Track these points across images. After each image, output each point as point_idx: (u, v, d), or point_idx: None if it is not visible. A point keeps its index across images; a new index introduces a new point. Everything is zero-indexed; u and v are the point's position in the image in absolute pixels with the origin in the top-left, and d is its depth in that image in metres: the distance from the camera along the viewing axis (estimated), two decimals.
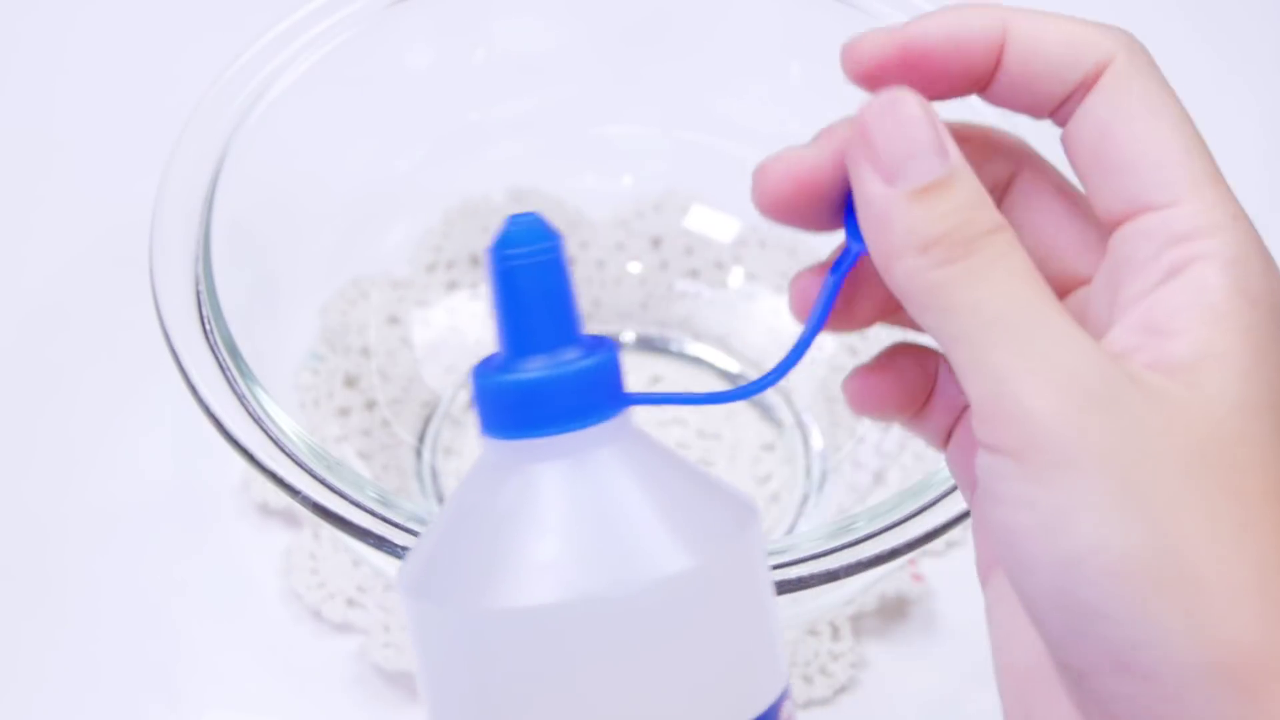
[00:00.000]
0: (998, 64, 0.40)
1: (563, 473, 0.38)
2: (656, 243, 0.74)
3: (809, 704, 0.63)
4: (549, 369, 0.38)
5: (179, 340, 0.57)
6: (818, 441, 0.69)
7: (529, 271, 0.39)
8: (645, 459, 0.39)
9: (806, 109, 0.73)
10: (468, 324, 0.71)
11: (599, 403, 0.39)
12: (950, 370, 0.43)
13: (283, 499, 0.63)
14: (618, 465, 0.39)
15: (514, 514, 0.38)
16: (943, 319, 0.37)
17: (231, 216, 0.61)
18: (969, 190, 0.38)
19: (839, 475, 0.67)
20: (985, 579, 0.41)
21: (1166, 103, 0.40)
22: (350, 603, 0.64)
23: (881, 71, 0.41)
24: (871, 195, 0.38)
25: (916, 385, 0.44)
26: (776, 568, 0.53)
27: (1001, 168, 0.43)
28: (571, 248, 0.72)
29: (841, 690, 0.63)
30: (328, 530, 0.65)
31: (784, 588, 0.54)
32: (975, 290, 0.37)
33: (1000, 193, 0.43)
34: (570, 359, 0.39)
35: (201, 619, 0.65)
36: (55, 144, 0.79)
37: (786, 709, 0.40)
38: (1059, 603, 0.36)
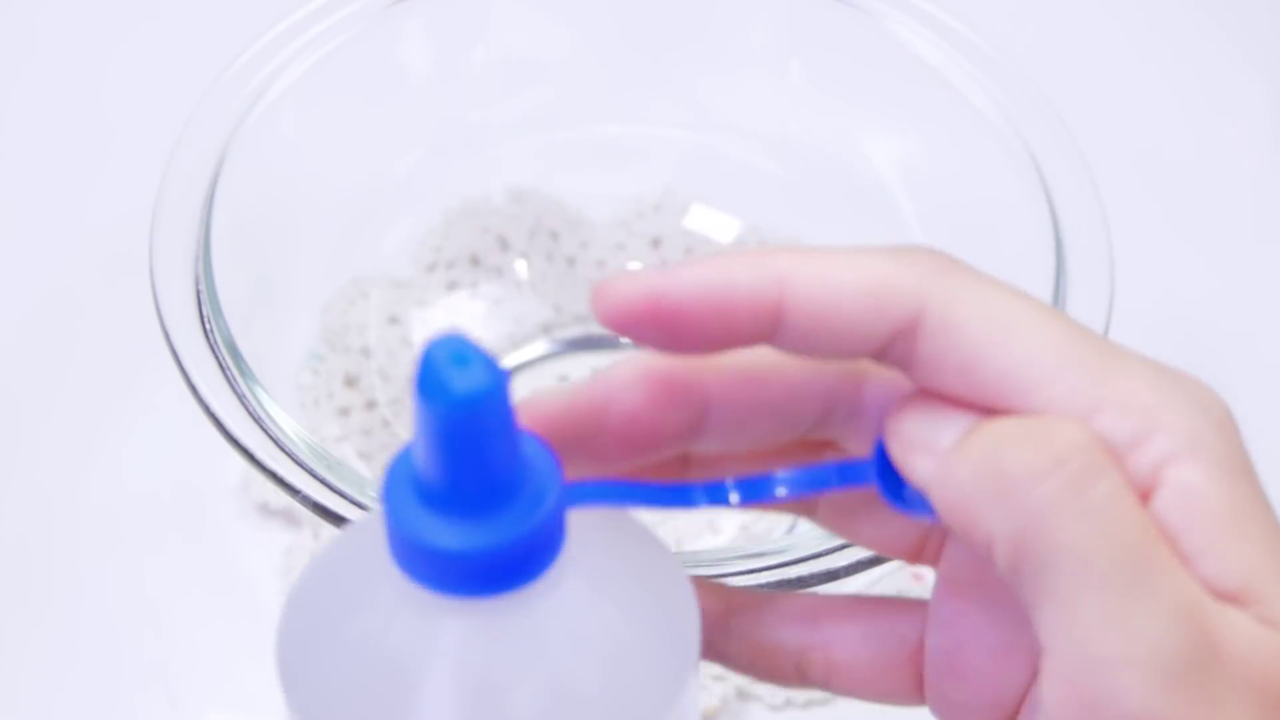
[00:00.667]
0: (778, 320, 0.35)
1: (487, 639, 0.35)
2: (656, 243, 0.74)
3: (809, 704, 0.63)
4: (492, 533, 0.33)
5: (179, 340, 0.57)
6: None
7: (470, 423, 0.33)
8: (585, 604, 0.35)
9: (806, 109, 0.73)
10: (468, 324, 0.71)
11: (543, 554, 0.34)
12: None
13: (283, 499, 0.63)
14: (553, 626, 0.35)
15: (425, 679, 0.35)
16: (1035, 565, 0.32)
17: (231, 216, 0.61)
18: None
19: None
20: None
21: (1011, 312, 0.34)
22: None
23: (631, 322, 0.35)
24: (922, 477, 0.35)
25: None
26: (776, 567, 0.53)
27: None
28: (571, 247, 0.72)
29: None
30: (328, 530, 0.65)
31: (784, 587, 0.54)
32: (1085, 530, 0.32)
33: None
34: (517, 516, 0.33)
35: (201, 619, 0.65)
36: (55, 144, 0.79)
37: None
38: None
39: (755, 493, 0.37)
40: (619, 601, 0.36)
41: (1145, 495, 0.33)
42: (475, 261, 0.72)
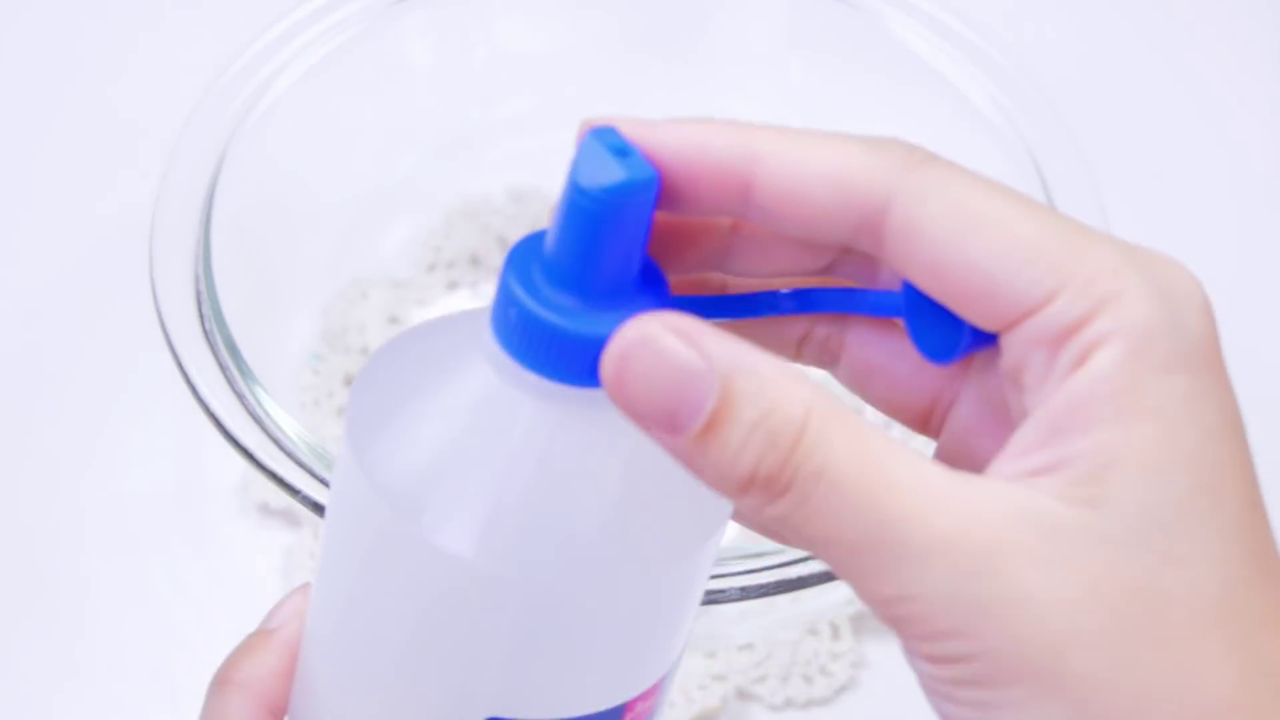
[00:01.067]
0: (746, 193, 0.35)
1: (571, 429, 0.36)
2: None
3: (809, 704, 0.63)
4: (609, 325, 0.34)
5: (179, 340, 0.57)
6: None
7: (606, 215, 0.34)
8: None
9: (807, 108, 0.73)
10: None
11: None
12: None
13: (283, 499, 0.63)
14: (626, 438, 0.35)
15: (505, 449, 0.36)
16: (809, 550, 0.34)
17: (231, 216, 0.61)
18: (753, 400, 0.33)
19: None
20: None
21: (980, 203, 0.35)
22: None
23: None
24: (667, 448, 0.34)
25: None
26: (777, 567, 0.53)
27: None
28: None
29: (841, 690, 0.63)
30: None
31: (784, 587, 0.54)
32: (819, 526, 0.33)
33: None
34: (632, 312, 0.34)
35: (202, 619, 0.65)
36: (55, 144, 0.79)
37: (663, 686, 0.39)
38: None
39: (804, 304, 0.38)
40: None
41: (1073, 370, 0.34)
42: (475, 261, 0.72)
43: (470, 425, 0.36)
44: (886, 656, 0.64)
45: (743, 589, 0.54)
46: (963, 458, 0.38)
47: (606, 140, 0.34)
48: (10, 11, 0.84)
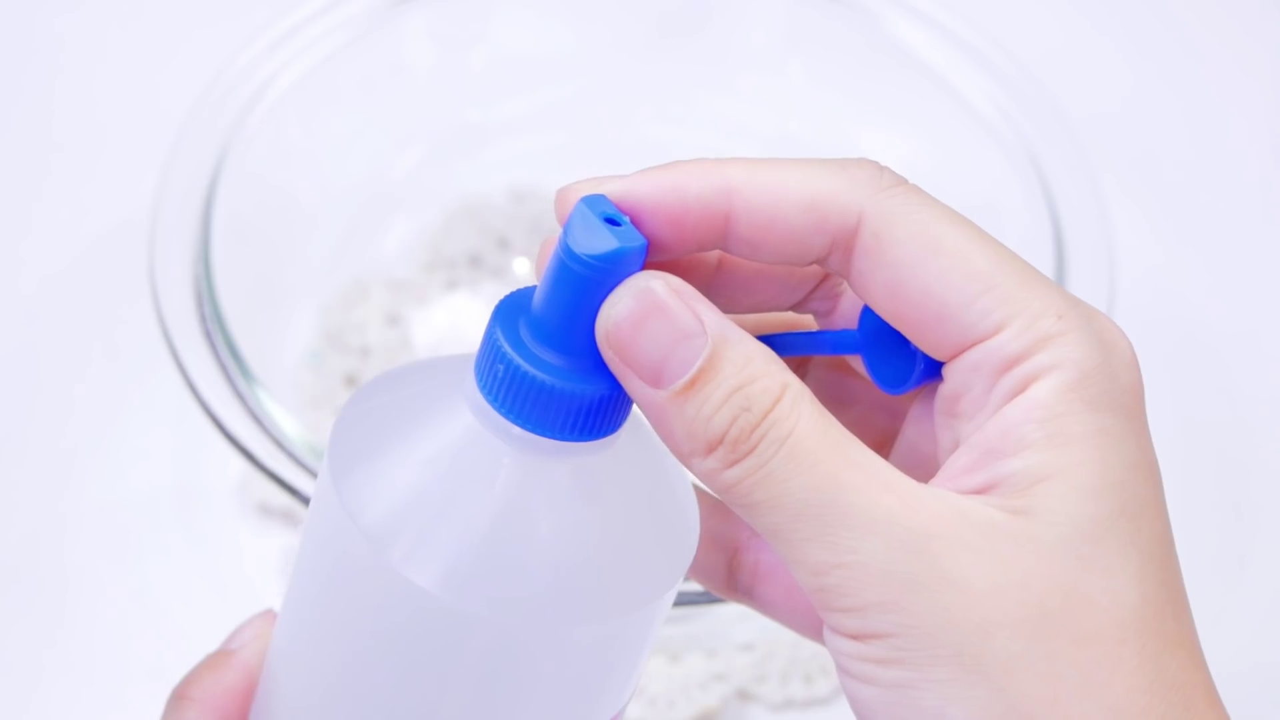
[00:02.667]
0: (726, 226, 0.37)
1: (545, 479, 0.37)
2: None
3: (809, 704, 0.63)
4: (597, 384, 0.36)
5: (179, 340, 0.57)
6: None
7: (596, 280, 0.36)
8: (624, 477, 0.38)
9: (807, 109, 0.73)
10: (467, 324, 0.71)
11: (614, 418, 0.37)
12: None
13: (283, 499, 0.63)
14: (598, 492, 0.37)
15: (480, 492, 0.37)
16: (749, 516, 0.36)
17: (231, 216, 0.61)
18: (735, 365, 0.35)
19: None
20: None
21: (942, 233, 0.36)
22: None
23: None
24: (643, 401, 0.36)
25: None
26: None
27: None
28: None
29: (841, 690, 0.63)
30: None
31: None
32: (769, 487, 0.35)
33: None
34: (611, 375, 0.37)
35: (201, 619, 0.65)
36: (55, 144, 0.79)
37: None
38: None
39: (773, 346, 0.39)
40: (649, 485, 0.39)
41: (1009, 400, 0.36)
42: (475, 261, 0.72)
43: (448, 467, 0.37)
44: None
45: None
46: (908, 443, 0.40)
47: (597, 209, 0.36)
48: (11, 11, 0.84)
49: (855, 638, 0.35)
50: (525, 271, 0.71)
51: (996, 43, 0.67)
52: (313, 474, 0.55)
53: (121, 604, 0.65)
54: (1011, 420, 0.36)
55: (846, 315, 0.40)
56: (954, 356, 0.37)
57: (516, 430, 0.37)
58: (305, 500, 0.55)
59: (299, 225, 0.68)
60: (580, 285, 0.36)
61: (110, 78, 0.81)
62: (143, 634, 0.65)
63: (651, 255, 0.37)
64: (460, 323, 0.71)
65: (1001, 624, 0.34)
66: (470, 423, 0.37)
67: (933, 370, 0.38)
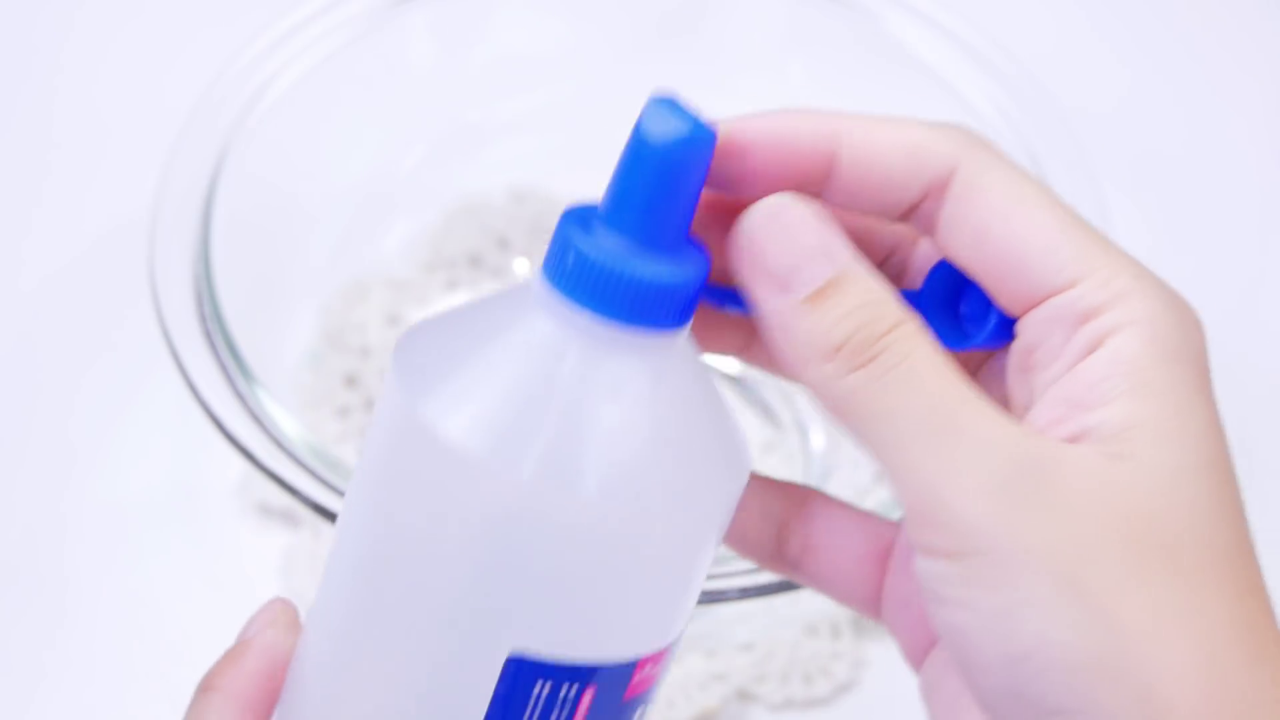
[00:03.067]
0: (830, 171, 0.39)
1: (619, 365, 0.38)
2: None
3: (809, 704, 0.63)
4: (670, 268, 0.37)
5: (179, 340, 0.57)
6: (818, 441, 0.69)
7: (679, 160, 0.37)
8: (688, 378, 0.39)
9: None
10: None
11: (684, 309, 0.38)
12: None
13: (283, 499, 0.63)
14: (664, 378, 0.38)
15: (553, 377, 0.37)
16: (862, 426, 0.37)
17: (231, 216, 0.61)
18: (863, 287, 0.37)
19: (839, 475, 0.67)
20: (918, 663, 0.41)
21: (1027, 189, 0.39)
22: None
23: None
24: (768, 308, 0.38)
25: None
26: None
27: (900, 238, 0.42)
28: None
29: (841, 690, 0.63)
30: (328, 530, 0.65)
31: (784, 587, 0.54)
32: (888, 396, 0.37)
33: (905, 265, 0.42)
34: (684, 263, 0.38)
35: (201, 619, 0.65)
36: (55, 144, 0.79)
37: (667, 658, 0.40)
38: (1012, 698, 0.36)
39: None
40: (707, 397, 0.39)
41: (1089, 352, 0.38)
42: (475, 261, 0.72)
43: (520, 356, 0.38)
44: (886, 656, 0.64)
45: (742, 589, 0.54)
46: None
47: (669, 104, 0.37)
48: (12, 11, 0.84)
49: (953, 557, 0.36)
50: (525, 271, 0.71)
51: (996, 42, 0.67)
52: (312, 474, 0.55)
53: (121, 604, 0.65)
54: (1095, 373, 0.37)
55: (910, 284, 0.42)
56: (1030, 308, 0.38)
57: (584, 318, 0.37)
58: (305, 500, 0.55)
59: (299, 225, 0.68)
60: (652, 170, 0.37)
61: (110, 78, 0.81)
62: (142, 634, 0.65)
63: (758, 194, 0.39)
64: None
65: (1105, 550, 0.36)
66: (539, 313, 0.38)
67: (1005, 328, 0.39)
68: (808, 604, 0.60)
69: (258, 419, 0.56)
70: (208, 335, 0.57)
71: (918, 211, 0.39)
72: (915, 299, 0.40)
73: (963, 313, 0.41)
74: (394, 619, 0.39)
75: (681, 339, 0.39)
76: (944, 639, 0.37)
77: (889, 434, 0.37)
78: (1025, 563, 0.36)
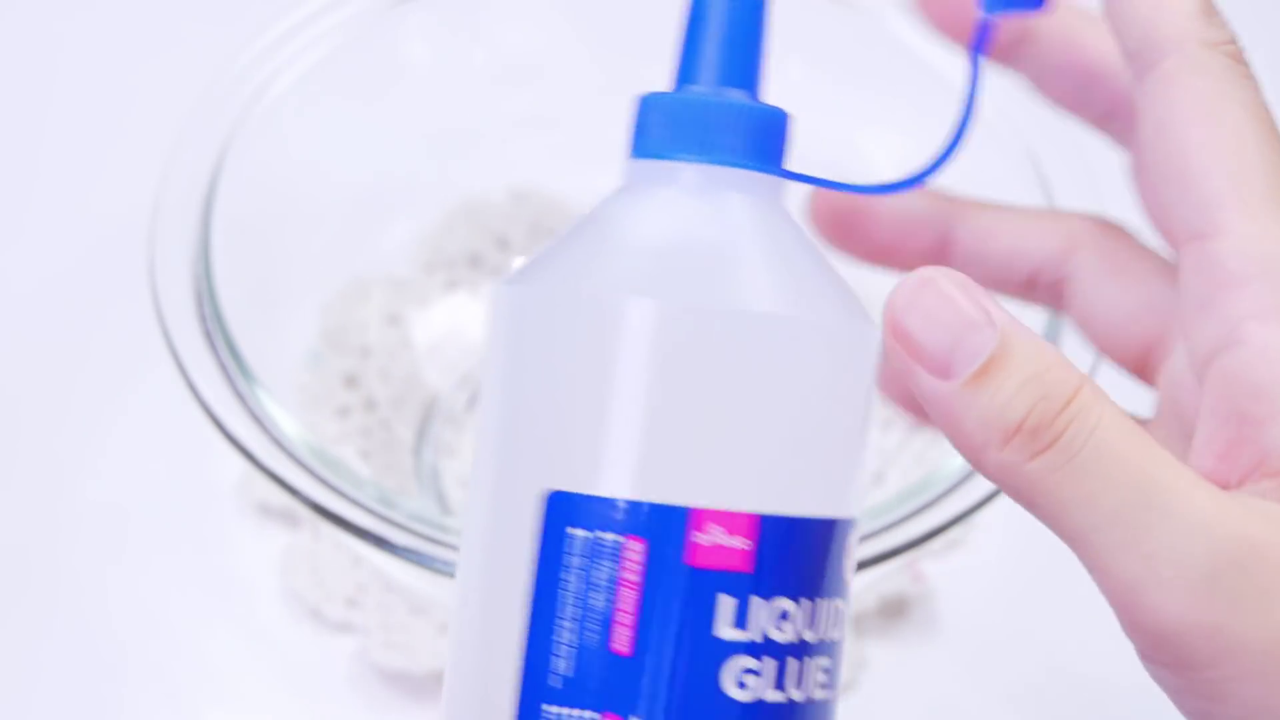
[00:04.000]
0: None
1: (733, 208, 0.38)
2: None
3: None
4: (761, 104, 0.39)
5: (179, 340, 0.57)
6: None
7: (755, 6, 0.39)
8: (803, 232, 0.39)
9: (807, 109, 0.73)
10: (468, 324, 0.71)
11: (780, 153, 0.39)
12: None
13: (283, 499, 0.63)
14: (774, 221, 0.38)
15: (671, 221, 0.38)
16: (1056, 517, 0.34)
17: (231, 216, 0.61)
18: (1029, 354, 0.34)
19: None
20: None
21: (1230, 106, 0.37)
22: (350, 602, 0.64)
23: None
24: (931, 395, 0.35)
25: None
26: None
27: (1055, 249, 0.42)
28: None
29: (841, 690, 0.63)
30: (327, 530, 0.65)
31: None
32: (1080, 484, 0.33)
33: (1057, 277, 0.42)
34: (770, 104, 0.39)
35: (201, 619, 0.65)
36: (54, 144, 0.79)
37: (852, 539, 0.39)
38: None
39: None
40: (820, 255, 0.39)
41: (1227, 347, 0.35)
42: (475, 261, 0.72)
43: (635, 212, 0.38)
44: (886, 657, 0.64)
45: None
46: (1173, 416, 0.40)
47: None
48: (12, 10, 0.84)
49: (1174, 670, 0.33)
50: None
51: None
52: (313, 474, 0.55)
53: (121, 603, 0.65)
54: (1255, 381, 0.35)
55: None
56: (1180, 241, 0.37)
57: (690, 169, 0.38)
58: (305, 500, 0.55)
59: (299, 224, 0.68)
60: (719, 12, 0.40)
61: (110, 78, 0.81)
62: (143, 634, 0.65)
63: (864, 253, 0.42)
64: (460, 322, 0.71)
65: None
66: (645, 188, 0.39)
67: None
68: None
69: (257, 419, 0.56)
70: (208, 335, 0.57)
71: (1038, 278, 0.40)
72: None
73: None
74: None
75: (781, 189, 0.39)
76: None
77: (1083, 528, 0.34)
78: (1245, 669, 0.32)
